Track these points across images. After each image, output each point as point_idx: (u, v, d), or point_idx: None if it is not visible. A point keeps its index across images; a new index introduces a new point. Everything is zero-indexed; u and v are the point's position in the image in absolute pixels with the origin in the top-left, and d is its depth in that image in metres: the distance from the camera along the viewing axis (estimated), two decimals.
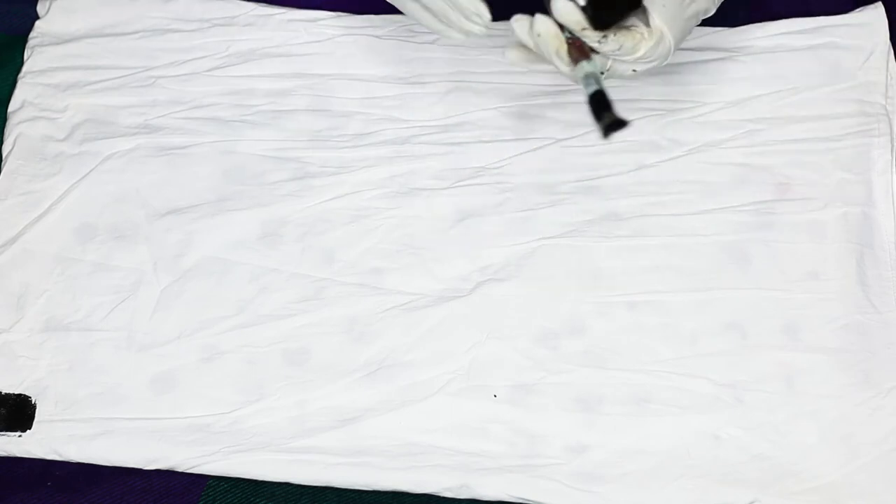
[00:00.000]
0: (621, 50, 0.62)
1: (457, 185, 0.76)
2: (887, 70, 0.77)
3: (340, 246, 0.74)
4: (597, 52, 0.61)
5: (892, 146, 0.75)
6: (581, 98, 0.60)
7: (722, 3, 0.76)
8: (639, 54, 0.62)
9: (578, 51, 0.61)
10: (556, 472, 0.67)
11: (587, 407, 0.69)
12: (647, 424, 0.68)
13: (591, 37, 0.60)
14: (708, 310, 0.71)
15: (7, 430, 0.69)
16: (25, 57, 0.82)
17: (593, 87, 0.58)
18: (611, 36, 0.61)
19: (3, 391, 0.70)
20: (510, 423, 0.68)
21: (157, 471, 0.68)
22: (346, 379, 0.70)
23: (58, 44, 0.82)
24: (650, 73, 0.65)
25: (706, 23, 0.79)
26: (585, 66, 0.60)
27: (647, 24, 0.62)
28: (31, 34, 0.83)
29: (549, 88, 0.79)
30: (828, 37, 0.79)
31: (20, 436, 0.69)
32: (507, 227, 0.74)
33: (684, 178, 0.75)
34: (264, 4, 0.84)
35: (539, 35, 0.61)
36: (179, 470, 0.68)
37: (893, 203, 0.73)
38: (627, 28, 0.62)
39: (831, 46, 0.79)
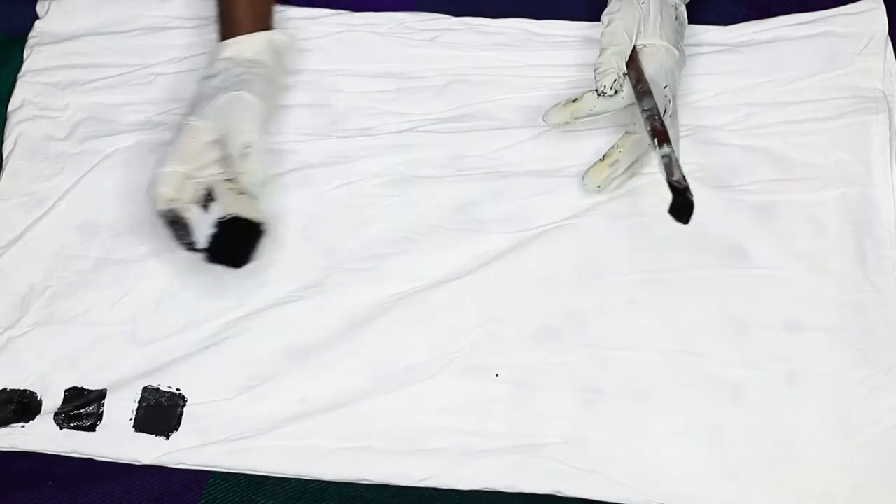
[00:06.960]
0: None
1: (457, 173, 0.76)
2: (885, 55, 0.78)
3: (342, 235, 0.74)
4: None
5: (891, 123, 0.75)
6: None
7: (722, 4, 0.77)
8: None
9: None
10: (556, 451, 0.67)
11: (587, 390, 0.69)
12: (647, 408, 0.68)
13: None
14: (708, 293, 0.71)
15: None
16: (25, 56, 0.82)
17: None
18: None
19: (9, 388, 0.70)
20: (511, 405, 0.68)
21: (158, 470, 0.68)
22: (348, 363, 0.70)
23: (57, 42, 0.83)
24: None
25: (705, 23, 0.79)
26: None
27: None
28: (31, 33, 0.83)
29: (548, 81, 0.79)
30: (826, 26, 0.79)
31: (23, 426, 0.69)
32: (507, 214, 0.74)
33: (683, 161, 0.75)
34: None
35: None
36: (181, 463, 0.68)
37: (892, 181, 0.74)
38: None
39: (829, 35, 0.79)
